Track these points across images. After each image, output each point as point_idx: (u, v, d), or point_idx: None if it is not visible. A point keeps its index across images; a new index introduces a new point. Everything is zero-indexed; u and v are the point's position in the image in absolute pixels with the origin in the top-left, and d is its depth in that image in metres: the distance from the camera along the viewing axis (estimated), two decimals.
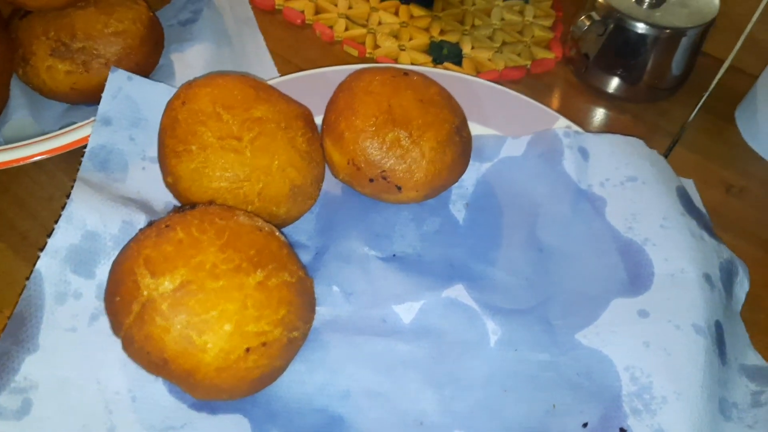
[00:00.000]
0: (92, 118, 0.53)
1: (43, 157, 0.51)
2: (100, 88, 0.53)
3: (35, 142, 0.52)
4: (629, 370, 0.44)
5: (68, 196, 0.46)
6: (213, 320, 0.38)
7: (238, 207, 0.46)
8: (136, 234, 0.42)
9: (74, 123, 0.53)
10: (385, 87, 0.51)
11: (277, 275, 0.40)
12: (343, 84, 0.53)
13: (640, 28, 0.61)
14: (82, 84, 0.53)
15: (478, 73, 0.66)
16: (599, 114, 0.66)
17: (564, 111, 0.62)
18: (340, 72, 0.59)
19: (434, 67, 0.66)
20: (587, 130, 0.57)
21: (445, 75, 0.60)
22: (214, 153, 0.46)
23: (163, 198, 0.50)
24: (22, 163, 0.51)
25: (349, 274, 0.49)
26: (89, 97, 0.54)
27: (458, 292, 0.49)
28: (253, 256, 0.40)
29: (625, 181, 0.53)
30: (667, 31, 0.61)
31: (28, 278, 0.43)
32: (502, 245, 0.52)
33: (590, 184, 0.54)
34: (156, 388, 0.42)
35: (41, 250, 0.44)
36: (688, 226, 0.50)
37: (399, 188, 0.50)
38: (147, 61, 0.55)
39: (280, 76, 0.61)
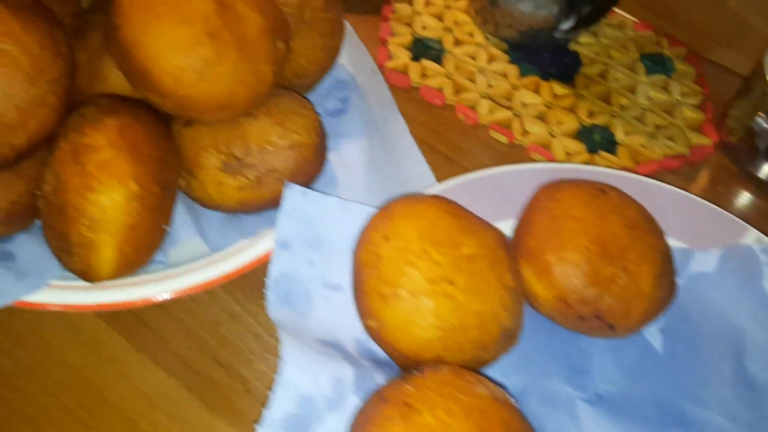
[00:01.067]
0: (260, 233, 0.49)
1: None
2: (270, 202, 0.49)
3: (209, 264, 0.47)
4: None
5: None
6: None
7: (448, 357, 0.42)
8: (365, 409, 0.38)
9: (238, 238, 0.49)
10: (589, 210, 0.46)
11: None
12: (537, 202, 0.48)
13: None
14: (253, 200, 0.48)
15: (636, 164, 0.62)
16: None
17: (727, 204, 0.59)
18: (509, 175, 0.55)
19: (590, 156, 0.62)
20: (758, 227, 0.53)
21: (622, 177, 0.55)
22: (428, 299, 0.42)
23: (352, 335, 0.46)
24: (199, 290, 0.46)
25: (559, 423, 0.45)
26: (255, 209, 0.50)
27: None
28: None
29: None
30: None
31: None
32: (710, 382, 0.48)
33: None
34: None
35: (256, 422, 0.40)
36: None
37: (612, 327, 0.46)
38: (318, 171, 0.51)
39: (435, 176, 0.57)
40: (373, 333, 0.44)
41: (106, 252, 0.42)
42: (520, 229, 0.48)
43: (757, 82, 0.60)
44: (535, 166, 0.55)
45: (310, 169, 0.49)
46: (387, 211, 0.45)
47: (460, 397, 0.37)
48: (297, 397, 0.40)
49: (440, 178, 0.57)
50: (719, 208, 0.55)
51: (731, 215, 0.55)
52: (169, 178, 0.45)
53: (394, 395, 0.37)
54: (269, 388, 0.47)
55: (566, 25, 0.66)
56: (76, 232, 0.41)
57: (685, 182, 0.62)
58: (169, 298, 0.47)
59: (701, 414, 0.47)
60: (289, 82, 0.53)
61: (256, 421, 0.44)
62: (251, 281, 0.49)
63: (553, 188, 0.49)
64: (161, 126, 0.46)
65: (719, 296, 0.51)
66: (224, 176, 0.47)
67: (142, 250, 0.44)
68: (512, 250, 0.47)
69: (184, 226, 0.49)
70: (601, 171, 0.56)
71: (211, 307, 0.50)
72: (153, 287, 0.47)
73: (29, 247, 0.47)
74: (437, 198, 0.47)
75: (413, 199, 0.46)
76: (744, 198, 0.62)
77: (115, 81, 0.47)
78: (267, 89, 0.45)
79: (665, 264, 0.47)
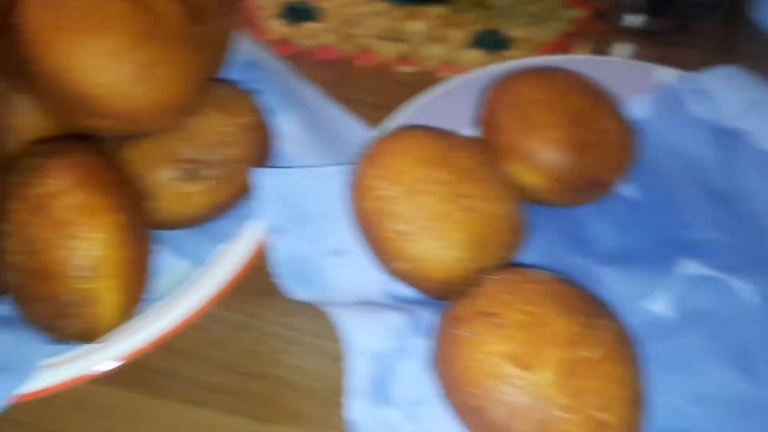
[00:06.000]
0: (241, 232, 0.46)
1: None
2: (240, 196, 0.46)
3: (198, 284, 0.44)
4: None
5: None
6: (609, 391, 0.34)
7: (479, 267, 0.42)
8: (443, 338, 0.37)
9: (216, 245, 0.46)
10: (547, 91, 0.48)
11: (613, 318, 0.37)
12: (495, 103, 0.49)
13: None
14: (225, 198, 0.45)
15: (535, 52, 0.65)
16: (656, 53, 0.67)
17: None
18: (443, 96, 0.55)
19: (493, 58, 0.64)
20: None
21: (538, 63, 0.57)
22: (449, 219, 0.41)
23: (377, 290, 0.44)
24: (203, 312, 0.43)
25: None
26: (227, 208, 0.46)
27: (690, 266, 0.48)
28: (589, 308, 0.37)
29: (754, 107, 0.55)
30: None
31: None
32: (689, 206, 0.52)
33: (727, 121, 0.55)
34: None
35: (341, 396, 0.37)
36: None
37: (604, 186, 0.48)
38: (272, 150, 0.48)
39: (361, 119, 0.56)
40: (403, 274, 0.42)
41: (110, 298, 0.38)
42: (489, 133, 0.49)
43: None
44: (464, 78, 0.56)
45: (267, 149, 0.47)
46: (371, 156, 0.43)
47: (528, 287, 0.37)
48: (369, 357, 0.38)
49: (371, 125, 0.56)
50: (629, 60, 0.59)
51: (641, 62, 0.59)
52: (136, 202, 0.41)
53: (467, 313, 0.37)
54: (311, 377, 0.44)
55: None
56: (68, 289, 0.36)
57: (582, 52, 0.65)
58: (175, 329, 0.42)
59: (695, 235, 0.50)
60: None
61: (311, 414, 0.42)
62: (238, 286, 0.46)
63: (501, 87, 0.50)
64: (106, 153, 0.41)
65: (663, 134, 0.55)
66: (187, 185, 0.43)
67: (143, 284, 0.40)
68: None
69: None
70: (519, 63, 0.58)
71: (213, 327, 0.46)
72: (153, 327, 0.42)
73: None
74: (406, 128, 0.46)
75: (387, 137, 0.45)
76: (628, 49, 0.67)
77: (28, 126, 0.42)
78: (203, 77, 0.42)
79: (620, 112, 0.49)
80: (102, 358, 0.41)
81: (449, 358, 0.36)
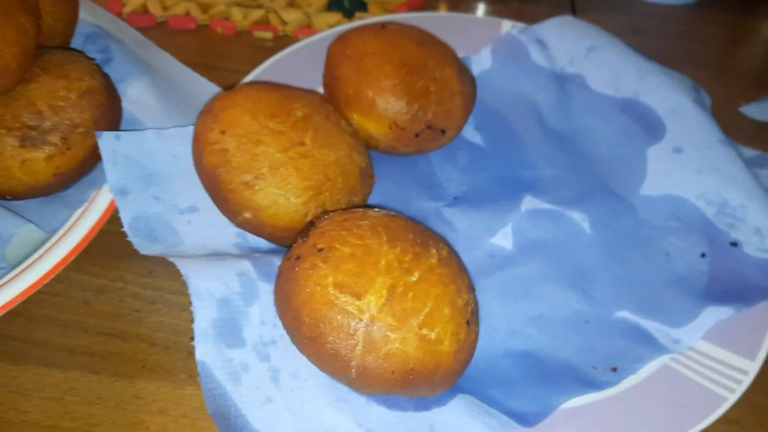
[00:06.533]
0: (92, 197, 0.46)
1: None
2: (86, 162, 0.46)
3: (51, 249, 0.44)
4: (702, 197, 0.51)
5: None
6: (434, 310, 0.37)
7: (329, 210, 0.44)
8: (283, 275, 0.39)
9: (70, 211, 0.46)
10: (381, 43, 0.50)
11: (443, 246, 0.40)
12: (333, 59, 0.51)
13: None
14: (67, 165, 0.45)
15: (389, 12, 0.67)
16: (508, 11, 0.70)
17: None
18: (292, 55, 0.57)
19: (350, 20, 0.66)
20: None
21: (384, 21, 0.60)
22: (289, 166, 0.43)
23: (229, 243, 0.46)
24: (50, 277, 0.43)
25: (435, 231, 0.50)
26: (71, 179, 0.47)
27: (531, 202, 0.51)
28: (416, 239, 0.39)
29: (587, 53, 0.59)
30: None
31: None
32: (529, 148, 0.55)
33: (562, 67, 0.59)
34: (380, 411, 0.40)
35: (191, 339, 0.39)
36: (659, 69, 0.57)
37: (443, 132, 0.50)
38: (118, 114, 0.48)
39: (218, 85, 0.57)
40: (251, 224, 0.44)
41: None
42: (330, 88, 0.51)
43: None
44: (313, 39, 0.58)
45: (111, 113, 0.47)
46: (209, 112, 0.45)
47: (361, 223, 0.39)
48: (214, 302, 0.40)
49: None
50: (472, 15, 0.62)
51: (485, 17, 0.62)
52: None
53: (304, 250, 0.39)
54: (173, 333, 0.46)
55: None
56: None
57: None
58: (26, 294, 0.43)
59: (535, 173, 0.54)
60: (42, 47, 0.49)
61: (174, 367, 0.44)
62: (96, 250, 0.47)
63: (341, 42, 0.52)
64: None
65: (505, 83, 0.59)
66: (27, 151, 0.44)
67: None
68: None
69: (9, 221, 0.45)
70: (367, 22, 0.60)
71: (72, 292, 0.47)
72: (3, 294, 0.43)
73: None
74: (247, 84, 0.47)
75: (225, 94, 0.46)
76: (482, 9, 0.71)
77: None
78: (34, 42, 0.42)
79: (459, 63, 0.52)
80: None
81: (288, 295, 0.38)
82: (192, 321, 0.44)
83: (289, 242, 0.45)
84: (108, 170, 0.45)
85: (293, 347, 0.40)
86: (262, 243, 0.47)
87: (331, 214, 0.41)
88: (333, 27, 0.65)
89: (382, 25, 0.52)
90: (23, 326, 0.45)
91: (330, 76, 0.51)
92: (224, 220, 0.46)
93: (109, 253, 0.49)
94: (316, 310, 0.37)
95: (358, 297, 0.36)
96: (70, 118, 0.45)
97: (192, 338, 0.40)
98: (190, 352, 0.45)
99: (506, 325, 0.46)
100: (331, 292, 0.37)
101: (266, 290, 0.42)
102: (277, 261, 0.44)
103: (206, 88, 0.57)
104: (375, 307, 0.36)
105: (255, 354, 0.40)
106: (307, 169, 0.43)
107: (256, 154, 0.43)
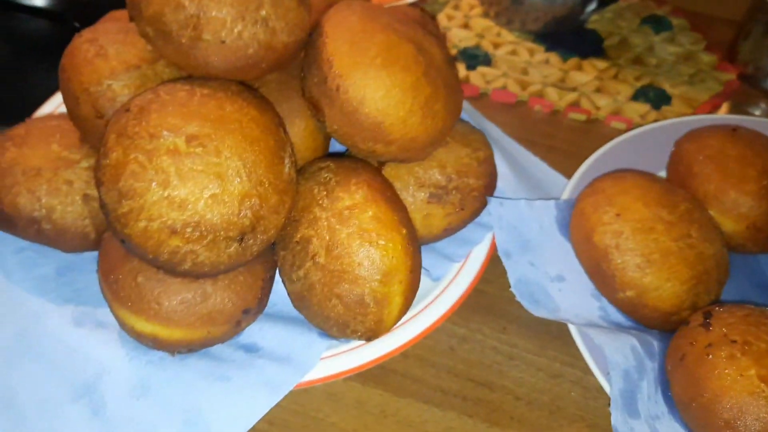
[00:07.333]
0: (469, 254, 0.51)
1: None
2: (466, 222, 0.52)
3: (437, 299, 0.49)
4: None
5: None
6: None
7: (699, 303, 0.47)
8: (690, 358, 0.42)
9: (451, 263, 0.52)
10: (738, 147, 0.53)
11: None
12: (691, 153, 0.54)
13: None
14: (456, 223, 0.51)
15: (693, 109, 0.70)
16: None
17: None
18: (629, 141, 0.61)
19: (657, 113, 0.69)
20: None
21: (708, 120, 0.63)
22: (677, 256, 0.47)
23: (594, 314, 0.50)
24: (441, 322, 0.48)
25: None
26: (453, 232, 0.52)
27: None
28: None
29: None
30: None
31: None
32: None
33: None
34: None
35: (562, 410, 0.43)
36: None
37: None
38: (496, 182, 0.54)
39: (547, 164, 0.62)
40: (630, 302, 0.48)
41: (397, 301, 0.43)
42: (684, 181, 0.54)
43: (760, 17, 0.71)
44: (648, 128, 0.62)
45: (495, 180, 0.53)
46: (600, 193, 0.49)
47: (764, 320, 0.42)
48: (621, 373, 0.44)
49: (550, 167, 0.61)
50: None
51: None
52: (409, 218, 0.47)
53: (714, 339, 0.42)
54: (533, 390, 0.49)
55: (591, 7, 0.74)
56: (369, 290, 0.42)
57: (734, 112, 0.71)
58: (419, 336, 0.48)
59: None
60: None
61: (538, 422, 0.47)
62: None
63: (695, 140, 0.55)
64: (378, 170, 0.47)
65: None
66: (432, 207, 0.49)
67: (416, 291, 0.45)
68: None
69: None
70: (691, 120, 0.63)
71: (440, 337, 0.52)
72: (399, 335, 0.48)
73: (271, 333, 0.47)
74: (624, 171, 0.52)
75: (608, 177, 0.50)
76: None
77: (298, 146, 0.48)
78: (458, 114, 0.48)
79: None
80: (368, 355, 0.46)
81: (700, 378, 0.41)
82: (550, 380, 0.48)
83: (658, 324, 0.48)
84: (497, 233, 0.50)
85: (675, 425, 0.43)
86: (621, 319, 0.50)
87: (726, 306, 0.45)
88: (642, 116, 0.69)
89: (734, 129, 0.55)
90: (401, 362, 0.50)
91: (687, 172, 0.54)
92: (587, 292, 0.50)
93: (465, 305, 0.53)
94: (735, 396, 0.39)
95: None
96: (469, 183, 0.50)
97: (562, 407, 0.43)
98: (551, 410, 0.48)
99: None
100: (754, 381, 0.39)
101: (650, 367, 0.45)
102: (652, 339, 0.47)
103: (542, 165, 0.61)
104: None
105: (647, 427, 0.43)
106: (692, 260, 0.47)
107: (649, 239, 0.47)
